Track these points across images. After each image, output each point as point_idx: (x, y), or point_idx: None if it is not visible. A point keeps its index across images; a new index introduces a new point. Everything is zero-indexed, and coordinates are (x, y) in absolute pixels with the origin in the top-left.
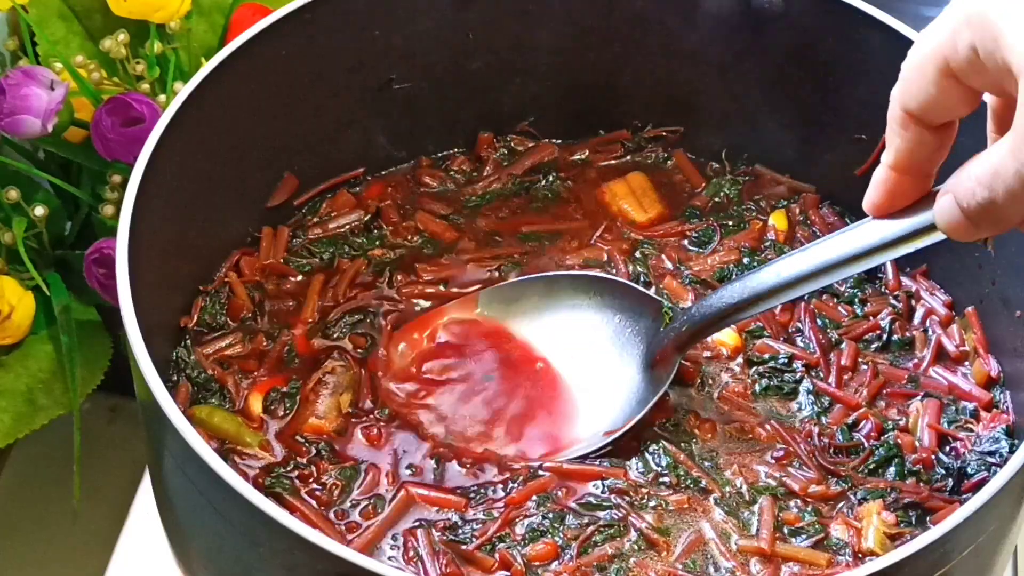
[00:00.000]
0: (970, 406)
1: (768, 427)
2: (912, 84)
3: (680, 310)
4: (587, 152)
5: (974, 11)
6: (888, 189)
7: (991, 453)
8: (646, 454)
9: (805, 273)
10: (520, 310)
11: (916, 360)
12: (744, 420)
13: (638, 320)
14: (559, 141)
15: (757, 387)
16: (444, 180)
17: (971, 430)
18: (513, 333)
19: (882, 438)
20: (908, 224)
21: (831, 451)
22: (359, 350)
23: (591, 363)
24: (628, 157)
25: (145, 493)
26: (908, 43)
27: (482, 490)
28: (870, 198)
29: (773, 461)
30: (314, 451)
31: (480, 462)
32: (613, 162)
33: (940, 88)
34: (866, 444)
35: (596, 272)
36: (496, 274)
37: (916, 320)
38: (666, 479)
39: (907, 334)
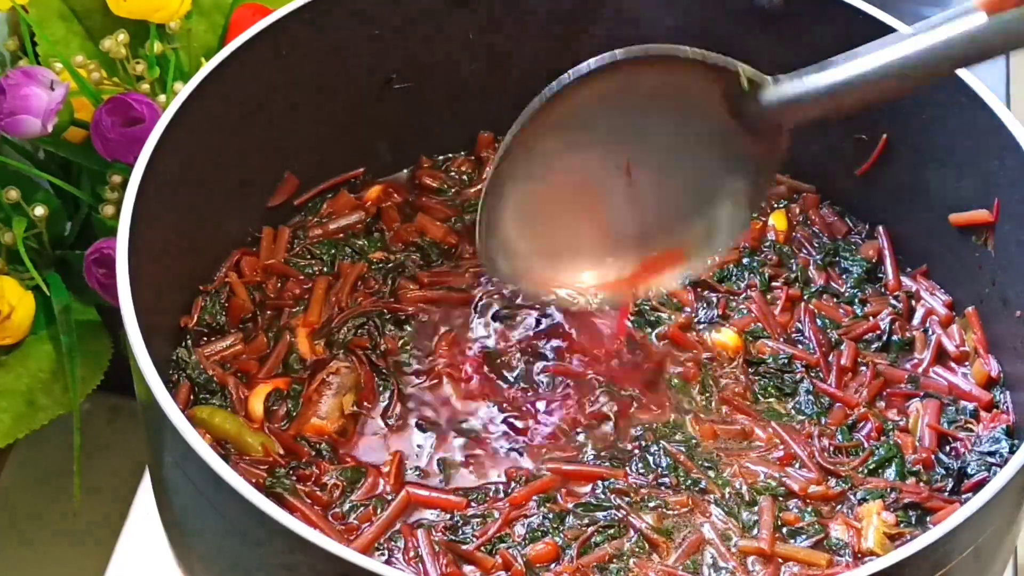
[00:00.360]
0: (970, 406)
1: (768, 428)
2: None
3: (768, 80)
4: None
5: None
6: None
7: (991, 453)
8: (647, 455)
9: (936, 59)
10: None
11: (916, 360)
12: (744, 421)
13: (711, 93)
14: None
15: (757, 387)
16: (444, 181)
17: (971, 430)
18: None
19: (882, 438)
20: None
21: (831, 451)
22: (362, 351)
23: (678, 152)
24: None
25: (145, 493)
26: None
27: (483, 491)
28: None
29: (773, 462)
30: (315, 452)
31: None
32: None
33: None
34: (866, 444)
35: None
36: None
37: (916, 320)
38: (666, 480)
39: (907, 334)
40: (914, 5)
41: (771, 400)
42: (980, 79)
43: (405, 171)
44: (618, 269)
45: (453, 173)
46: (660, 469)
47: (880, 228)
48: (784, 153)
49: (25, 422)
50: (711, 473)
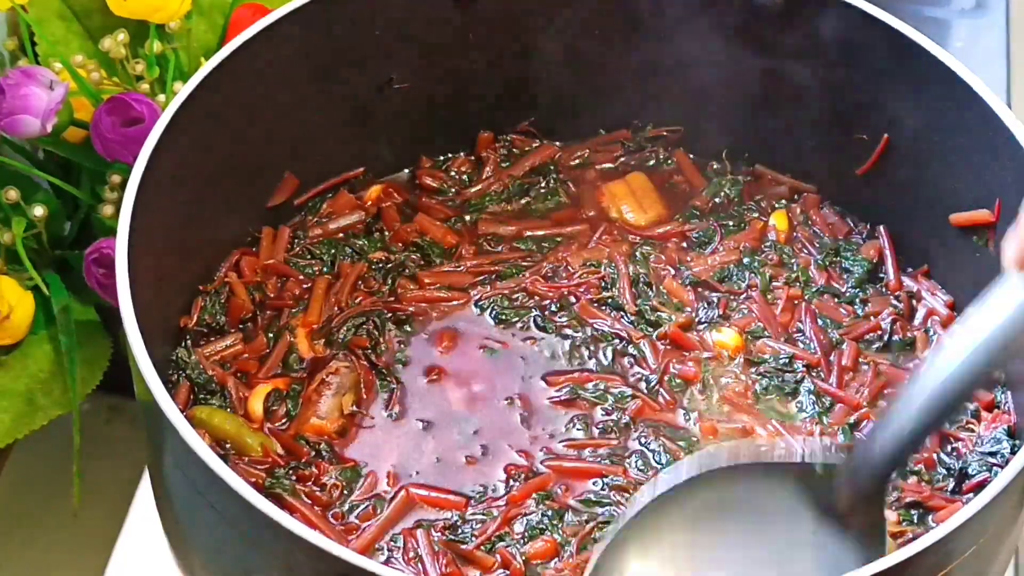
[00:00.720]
0: (971, 406)
1: (768, 426)
2: None
3: (840, 458)
4: (587, 152)
5: None
6: None
7: (992, 454)
8: (646, 452)
9: (986, 359)
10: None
11: (918, 361)
12: (745, 419)
13: (788, 490)
14: (559, 143)
15: (758, 387)
16: (444, 181)
17: (972, 430)
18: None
19: None
20: None
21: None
22: (362, 350)
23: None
24: (628, 158)
25: (145, 493)
26: (908, 43)
27: (482, 489)
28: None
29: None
30: (315, 452)
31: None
32: (612, 164)
33: None
34: None
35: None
36: (496, 281)
37: (917, 320)
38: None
39: (908, 335)
40: (914, 5)
41: (772, 399)
42: (980, 79)
43: (405, 171)
44: None
45: (453, 173)
46: (660, 466)
47: (881, 228)
48: (883, 515)
49: (25, 422)
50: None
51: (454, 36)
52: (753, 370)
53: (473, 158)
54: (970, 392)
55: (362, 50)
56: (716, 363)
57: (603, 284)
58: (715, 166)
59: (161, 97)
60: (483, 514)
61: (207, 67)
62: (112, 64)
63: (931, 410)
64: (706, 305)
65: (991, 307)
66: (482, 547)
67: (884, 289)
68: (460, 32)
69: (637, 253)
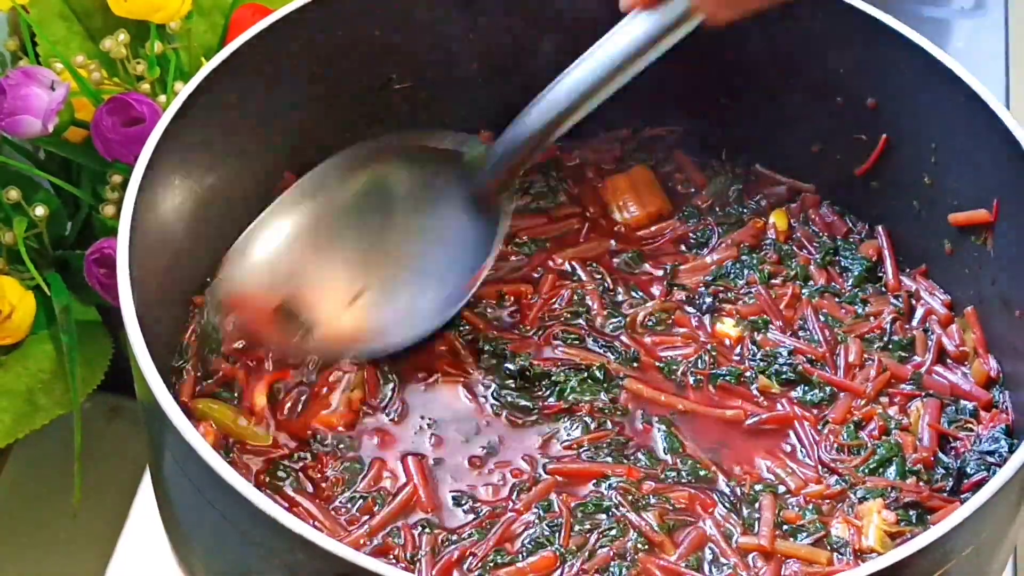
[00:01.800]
0: (970, 406)
1: (772, 423)
2: None
3: (483, 148)
4: (587, 153)
5: None
6: None
7: (990, 453)
8: (649, 444)
9: (601, 77)
10: (328, 202)
11: (917, 361)
12: (745, 416)
13: (448, 173)
14: (559, 143)
15: (760, 379)
16: None
17: (971, 430)
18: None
19: (884, 438)
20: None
21: (835, 449)
22: None
23: (416, 232)
24: (628, 157)
25: (145, 493)
26: (907, 43)
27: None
28: None
29: (775, 457)
30: (320, 446)
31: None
32: (611, 164)
33: None
34: (869, 443)
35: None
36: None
37: (916, 320)
38: (671, 472)
39: (908, 334)
40: (914, 5)
41: (774, 393)
42: (980, 79)
43: None
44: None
45: None
46: (665, 461)
47: (880, 228)
48: (507, 220)
49: (25, 422)
50: (712, 467)
51: (454, 36)
52: (756, 363)
53: None
54: (600, 87)
55: (362, 50)
56: (718, 353)
57: (575, 296)
58: (715, 165)
59: (162, 97)
60: (480, 531)
61: (208, 67)
62: (113, 64)
63: (575, 100)
64: (708, 295)
65: (620, 29)
66: (484, 563)
67: (883, 288)
68: (460, 32)
69: (632, 252)
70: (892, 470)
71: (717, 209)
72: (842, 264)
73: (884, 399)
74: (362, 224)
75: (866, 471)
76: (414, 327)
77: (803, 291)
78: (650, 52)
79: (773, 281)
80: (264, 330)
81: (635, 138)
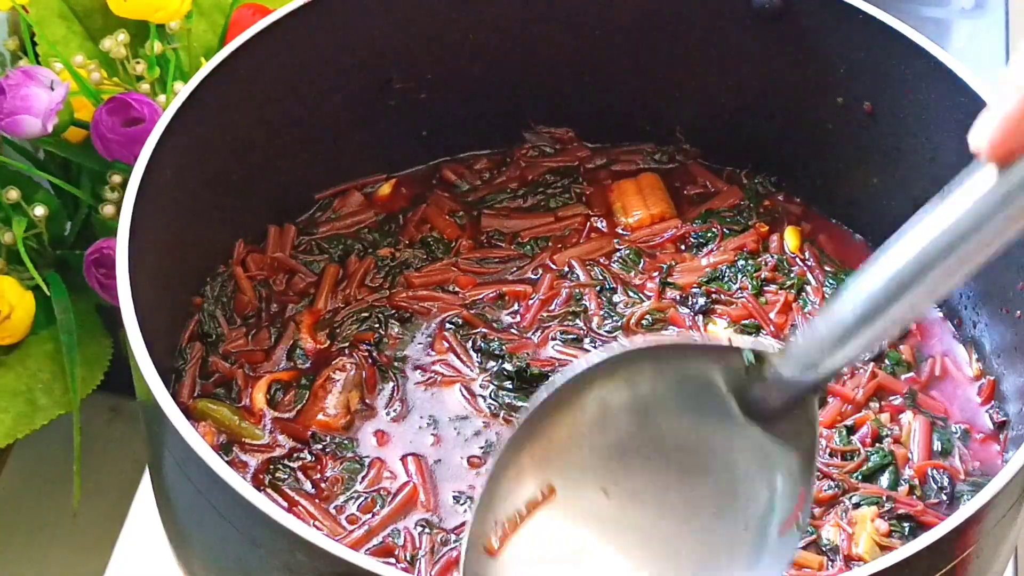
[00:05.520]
0: (960, 428)
1: None
2: None
3: (773, 349)
4: (609, 159)
5: None
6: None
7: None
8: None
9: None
10: (556, 445)
11: (910, 376)
12: None
13: (713, 383)
14: (590, 145)
15: None
16: (466, 177)
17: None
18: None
19: (876, 445)
20: None
21: (827, 453)
22: (365, 346)
23: (681, 462)
24: (648, 165)
25: (145, 493)
26: (907, 43)
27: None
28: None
29: None
30: (319, 446)
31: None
32: (630, 168)
33: None
34: (862, 449)
35: (622, 348)
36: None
37: (910, 335)
38: None
39: (899, 347)
40: (914, 5)
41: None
42: (980, 79)
43: (416, 168)
44: None
45: (478, 168)
46: None
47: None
48: (816, 426)
49: (25, 422)
50: None
51: (454, 36)
52: None
53: (498, 156)
54: (932, 284)
55: (362, 50)
56: None
57: (573, 296)
58: (735, 173)
59: (162, 97)
60: None
61: (207, 67)
62: (113, 64)
63: (884, 297)
64: (703, 295)
65: (959, 199)
66: None
67: None
68: (460, 32)
69: (629, 251)
70: (885, 478)
71: (726, 216)
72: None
73: (875, 404)
74: (608, 462)
75: (859, 477)
76: None
77: (796, 300)
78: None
79: (768, 288)
80: None
81: (660, 150)
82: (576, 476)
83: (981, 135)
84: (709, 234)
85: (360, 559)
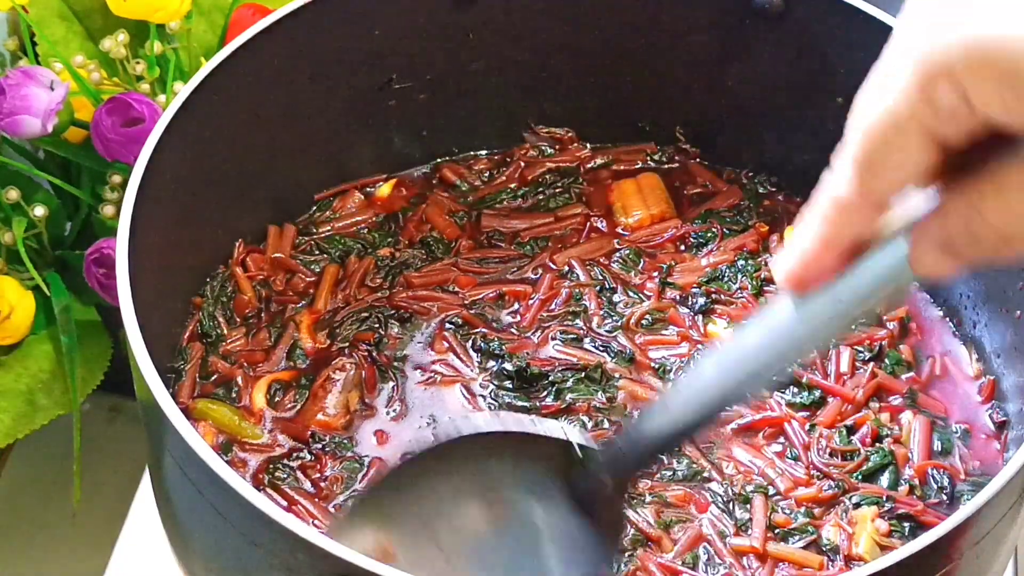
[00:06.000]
0: (961, 428)
1: (763, 424)
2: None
3: (598, 448)
4: (608, 158)
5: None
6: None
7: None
8: None
9: (748, 375)
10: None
11: (910, 375)
12: (736, 416)
13: (552, 471)
14: (590, 145)
15: None
16: (465, 177)
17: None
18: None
19: (876, 445)
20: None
21: (827, 453)
22: (365, 345)
23: (511, 538)
24: (648, 165)
25: (145, 493)
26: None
27: None
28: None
29: (766, 458)
30: (319, 445)
31: None
32: (630, 168)
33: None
34: (862, 449)
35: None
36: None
37: (910, 336)
38: (667, 471)
39: (899, 346)
40: None
41: (765, 395)
42: None
43: (417, 169)
44: None
45: (479, 168)
46: (660, 459)
47: None
48: (623, 519)
49: (25, 422)
50: (708, 466)
51: (454, 36)
52: None
53: (498, 156)
54: (740, 394)
55: (362, 50)
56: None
57: (573, 296)
58: (735, 173)
59: (161, 97)
60: None
61: (207, 67)
62: (112, 64)
63: (699, 410)
64: (702, 295)
65: (763, 320)
66: None
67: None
68: (460, 32)
69: (628, 252)
70: (885, 478)
71: (726, 216)
72: None
73: (876, 403)
74: (462, 530)
75: (859, 477)
76: None
77: None
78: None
79: (768, 288)
80: None
81: (661, 151)
82: (413, 537)
83: (780, 268)
84: (709, 234)
85: (360, 559)
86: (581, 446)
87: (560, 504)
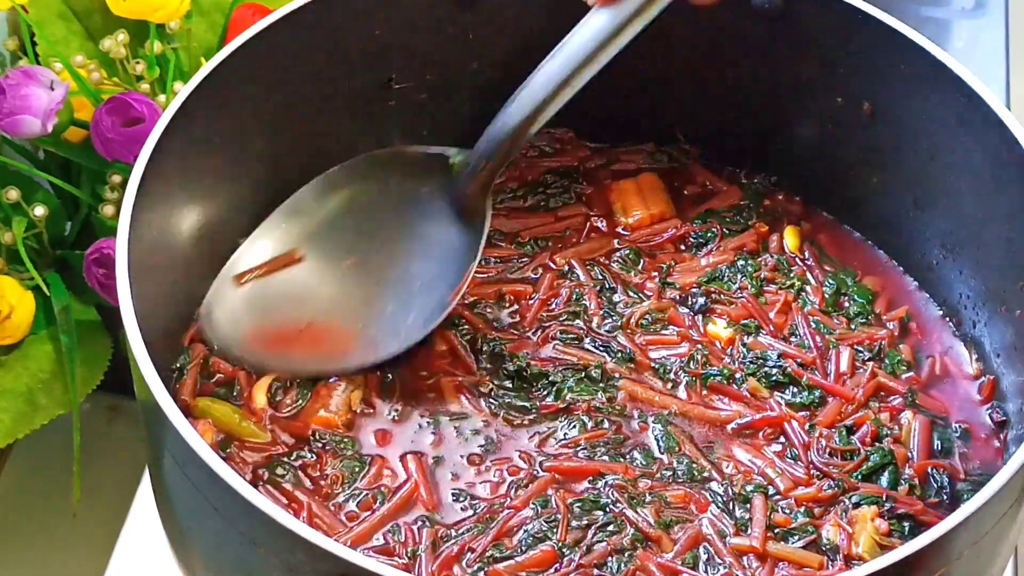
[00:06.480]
0: (960, 428)
1: (763, 424)
2: None
3: (467, 153)
4: (607, 159)
5: None
6: None
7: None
8: (645, 440)
9: (573, 68)
10: (313, 223)
11: (910, 375)
12: (738, 407)
13: (431, 183)
14: (590, 145)
15: (751, 381)
16: None
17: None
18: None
19: (876, 444)
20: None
21: (827, 452)
22: None
23: (403, 245)
24: (648, 165)
25: (145, 493)
26: (907, 43)
27: (479, 493)
28: None
29: (766, 458)
30: (320, 444)
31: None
32: (629, 168)
33: None
34: (861, 449)
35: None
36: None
37: (908, 336)
38: (666, 471)
39: (899, 346)
40: (914, 5)
41: (764, 395)
42: (980, 79)
43: None
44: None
45: None
46: (660, 459)
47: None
48: (487, 215)
49: (25, 422)
50: (707, 465)
51: (454, 36)
52: (746, 365)
53: None
54: (573, 84)
55: (362, 50)
56: (710, 354)
57: (573, 296)
58: (735, 173)
59: (161, 97)
60: (481, 526)
61: (207, 67)
62: (112, 64)
63: (540, 100)
64: (702, 295)
65: (582, 26)
66: (481, 558)
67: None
68: (460, 32)
69: (628, 251)
70: (885, 478)
71: (726, 216)
72: (846, 296)
73: (876, 403)
74: (348, 241)
75: (859, 477)
76: (402, 339)
77: (795, 300)
78: (619, 39)
79: (768, 288)
80: (253, 352)
81: (660, 150)
82: (323, 247)
83: None
84: (709, 234)
85: (360, 559)
86: (454, 154)
87: (442, 217)
